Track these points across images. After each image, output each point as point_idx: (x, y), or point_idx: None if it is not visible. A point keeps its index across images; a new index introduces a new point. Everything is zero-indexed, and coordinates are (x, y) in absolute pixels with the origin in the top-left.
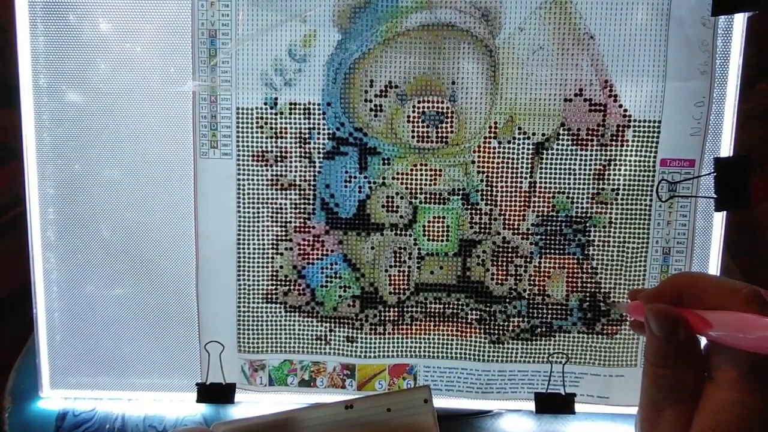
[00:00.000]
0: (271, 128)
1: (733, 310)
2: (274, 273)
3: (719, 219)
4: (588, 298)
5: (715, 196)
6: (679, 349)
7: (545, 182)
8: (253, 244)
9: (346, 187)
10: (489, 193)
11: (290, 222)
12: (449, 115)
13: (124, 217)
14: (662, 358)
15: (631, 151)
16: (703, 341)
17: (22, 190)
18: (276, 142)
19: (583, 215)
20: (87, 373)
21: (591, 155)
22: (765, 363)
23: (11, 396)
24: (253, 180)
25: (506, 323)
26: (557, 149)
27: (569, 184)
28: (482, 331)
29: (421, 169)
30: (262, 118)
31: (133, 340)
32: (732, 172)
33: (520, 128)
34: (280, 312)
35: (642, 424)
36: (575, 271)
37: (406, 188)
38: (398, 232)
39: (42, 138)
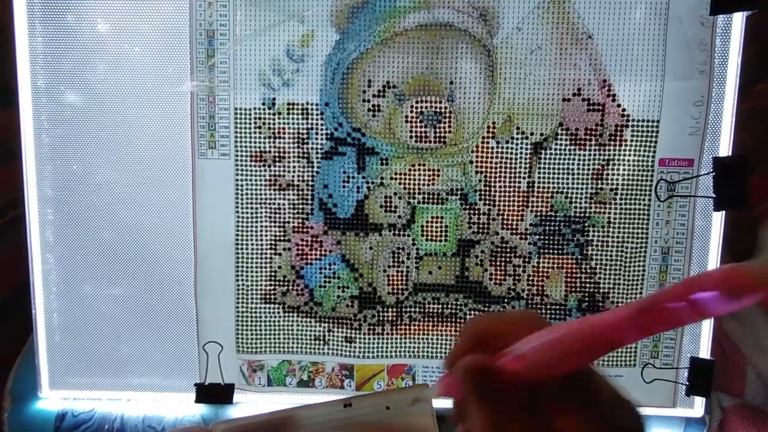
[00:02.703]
0: (269, 128)
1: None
2: (273, 273)
3: (718, 218)
4: (587, 298)
5: (714, 195)
6: (515, 403)
7: (544, 182)
8: (252, 244)
9: (344, 187)
10: (487, 193)
11: (288, 222)
12: (447, 115)
13: (122, 217)
14: (496, 416)
15: (630, 150)
16: None
17: (20, 191)
18: (274, 143)
19: (582, 215)
20: (86, 373)
21: (589, 155)
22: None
23: (11, 396)
24: (251, 180)
25: None
26: (555, 149)
27: (568, 183)
28: None
29: (419, 169)
30: (260, 118)
31: (131, 341)
32: (731, 171)
33: (518, 128)
34: (279, 312)
35: None
36: (574, 271)
37: (405, 188)
38: (396, 232)
39: (40, 139)
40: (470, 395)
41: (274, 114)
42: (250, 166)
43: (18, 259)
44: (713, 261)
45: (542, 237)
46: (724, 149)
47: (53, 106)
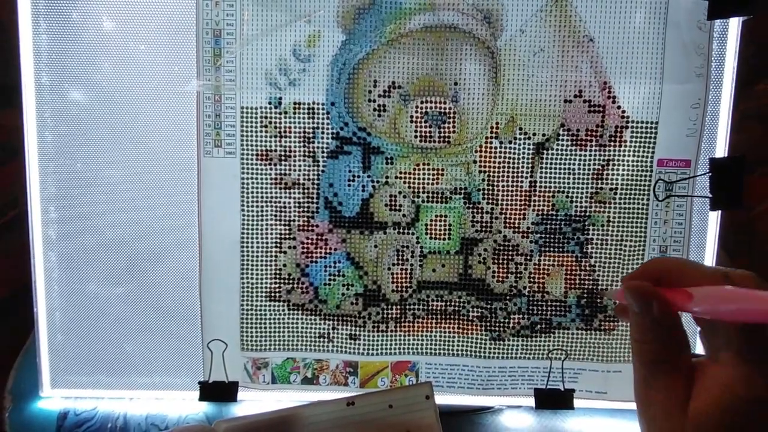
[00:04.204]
0: (275, 127)
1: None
2: (278, 271)
3: (714, 218)
4: (586, 295)
5: (710, 195)
6: (657, 322)
7: (545, 182)
8: (257, 242)
9: (349, 186)
10: (490, 192)
11: (294, 220)
12: (451, 115)
13: (126, 216)
14: (642, 332)
15: (629, 151)
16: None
17: (23, 189)
18: (280, 142)
19: (582, 214)
20: (88, 372)
21: (590, 155)
22: (759, 338)
23: (12, 395)
24: (256, 179)
25: (506, 320)
26: (557, 149)
27: (569, 183)
28: (483, 328)
29: (423, 169)
30: (266, 117)
31: (135, 339)
32: (727, 172)
33: (520, 128)
34: (283, 310)
35: (637, 404)
36: (574, 268)
37: (409, 187)
38: (401, 230)
39: (44, 137)
40: (631, 309)
41: (280, 113)
42: (256, 164)
43: (19, 258)
44: (709, 259)
45: (543, 235)
46: (721, 150)
47: (57, 104)
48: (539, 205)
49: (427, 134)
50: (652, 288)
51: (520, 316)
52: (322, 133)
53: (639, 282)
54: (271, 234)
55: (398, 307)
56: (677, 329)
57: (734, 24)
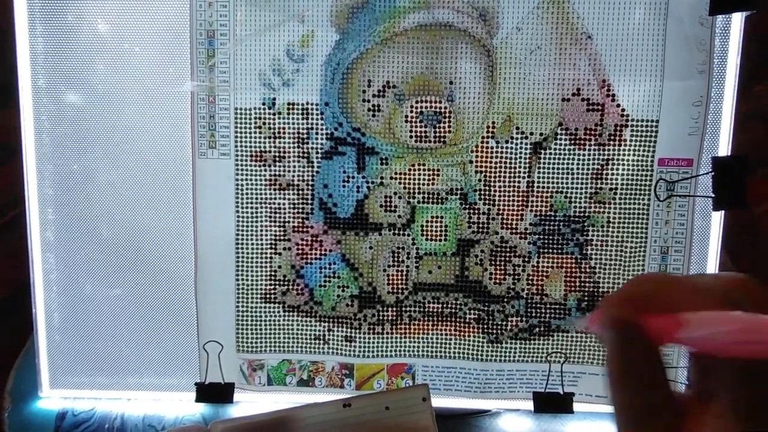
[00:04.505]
0: (270, 128)
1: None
2: (273, 273)
3: (717, 218)
4: (586, 298)
5: (713, 195)
6: (640, 359)
7: (543, 182)
8: (252, 244)
9: (344, 186)
10: (487, 192)
11: (288, 222)
12: (447, 114)
13: (122, 217)
14: (624, 373)
15: (629, 150)
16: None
17: (21, 191)
18: (274, 143)
19: (582, 215)
20: (86, 372)
21: (589, 155)
22: (765, 383)
23: (11, 396)
24: (251, 180)
25: (504, 323)
26: (555, 149)
27: (567, 183)
28: (480, 330)
29: (419, 169)
30: (260, 118)
31: (132, 340)
32: (730, 171)
33: (517, 128)
34: (279, 312)
35: None
36: (573, 270)
37: (404, 188)
38: (396, 231)
39: (41, 138)
40: (607, 343)
41: (274, 114)
42: (251, 165)
43: (18, 259)
44: (712, 260)
45: (542, 236)
46: (723, 149)
47: (54, 105)
48: (537, 206)
49: (423, 134)
50: (629, 317)
51: (518, 318)
52: (317, 133)
53: (615, 310)
54: (266, 235)
55: (394, 309)
56: (664, 370)
57: (737, 19)
